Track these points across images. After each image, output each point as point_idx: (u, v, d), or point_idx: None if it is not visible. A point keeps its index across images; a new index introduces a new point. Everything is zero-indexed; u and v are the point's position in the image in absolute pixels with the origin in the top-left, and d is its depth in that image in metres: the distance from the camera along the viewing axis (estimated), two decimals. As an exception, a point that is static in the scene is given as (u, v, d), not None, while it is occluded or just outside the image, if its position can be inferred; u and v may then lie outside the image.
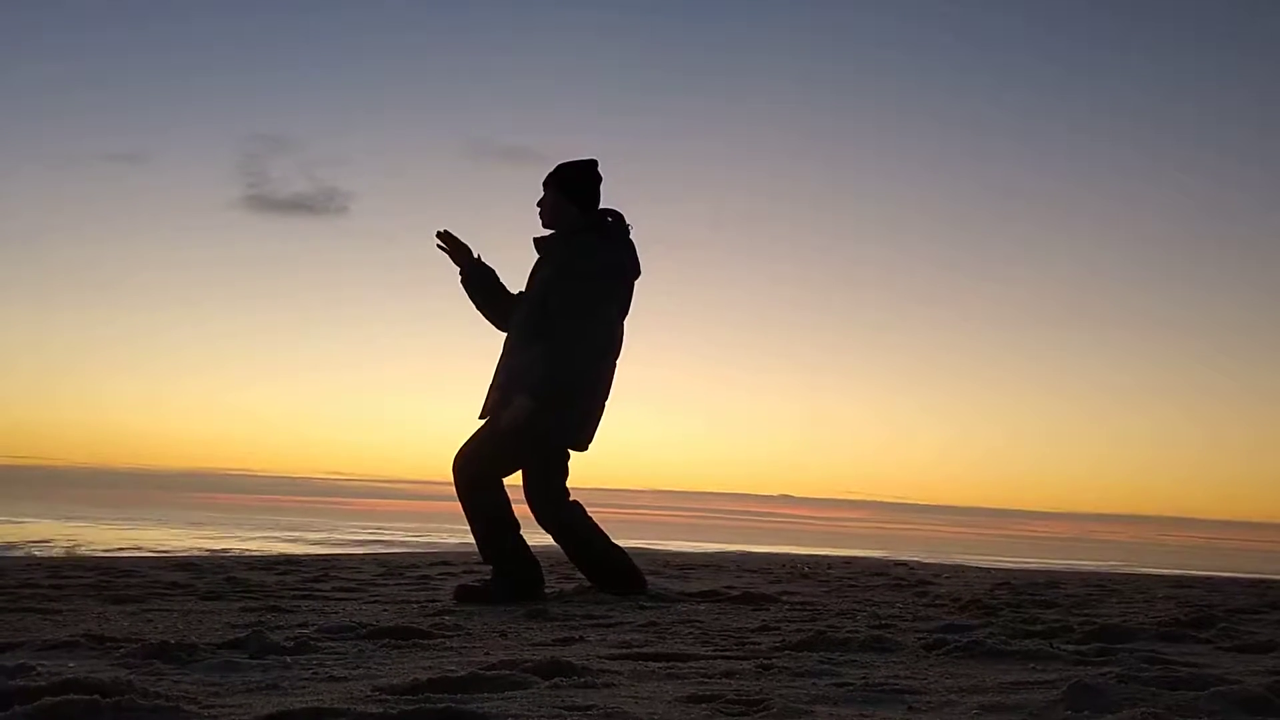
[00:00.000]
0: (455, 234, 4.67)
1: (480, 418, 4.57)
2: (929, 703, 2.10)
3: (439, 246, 4.69)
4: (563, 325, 4.38)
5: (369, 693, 2.08)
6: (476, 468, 4.49)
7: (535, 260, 4.66)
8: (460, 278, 4.70)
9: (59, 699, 1.80)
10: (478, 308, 4.73)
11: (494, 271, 4.71)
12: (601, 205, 4.62)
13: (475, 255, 4.69)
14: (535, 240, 4.64)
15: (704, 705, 2.04)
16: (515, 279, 4.74)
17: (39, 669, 2.18)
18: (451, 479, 4.54)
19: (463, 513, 4.54)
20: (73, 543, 11.56)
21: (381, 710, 1.83)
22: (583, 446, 4.57)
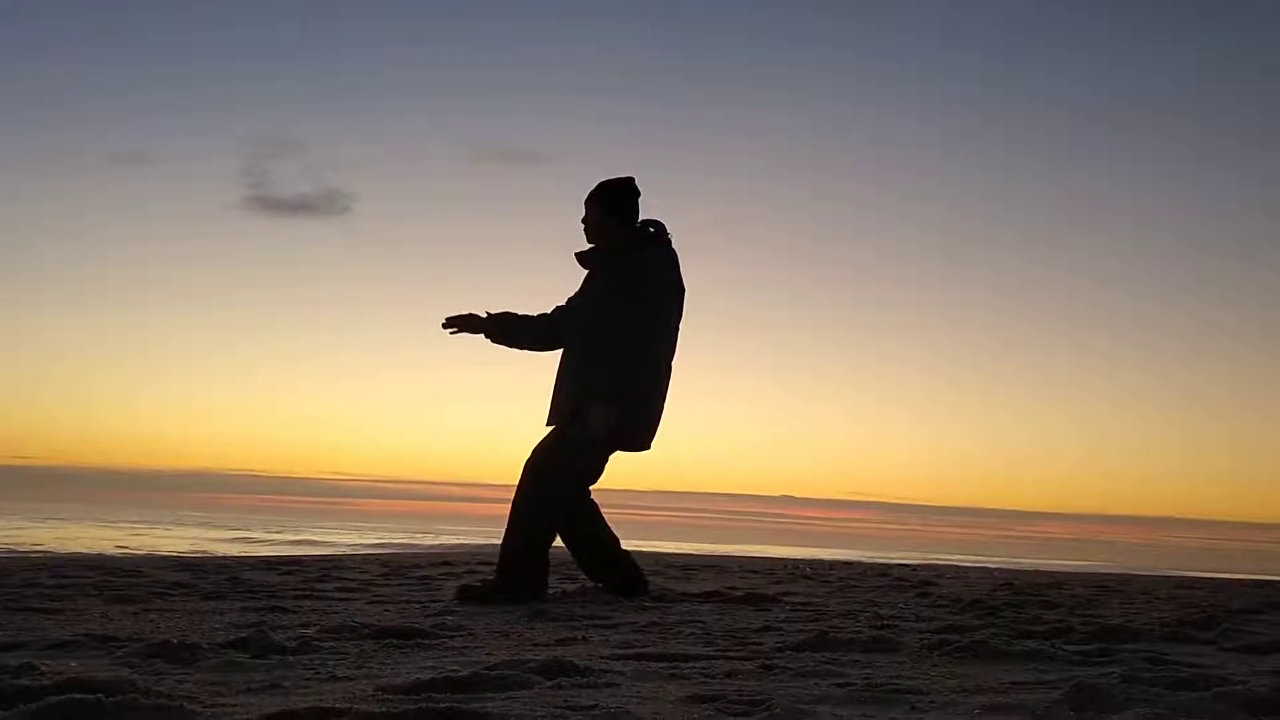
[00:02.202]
0: (453, 314, 4.79)
1: (548, 424, 4.66)
2: (931, 703, 2.10)
3: (451, 333, 4.79)
4: (629, 334, 4.50)
5: (371, 692, 2.08)
6: (549, 470, 4.53)
7: (584, 275, 4.79)
8: (486, 338, 4.83)
9: (62, 698, 1.80)
10: (516, 348, 4.85)
11: (508, 313, 4.84)
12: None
13: (484, 314, 4.81)
14: (579, 256, 4.78)
15: (706, 705, 2.03)
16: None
17: (42, 668, 2.18)
18: (520, 481, 4.57)
19: (515, 507, 4.53)
20: (71, 542, 11.56)
21: (384, 710, 1.83)
22: (647, 446, 4.68)
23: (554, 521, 4.56)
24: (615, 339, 4.50)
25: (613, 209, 4.71)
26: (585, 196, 4.74)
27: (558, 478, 4.52)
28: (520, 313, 4.86)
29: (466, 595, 4.41)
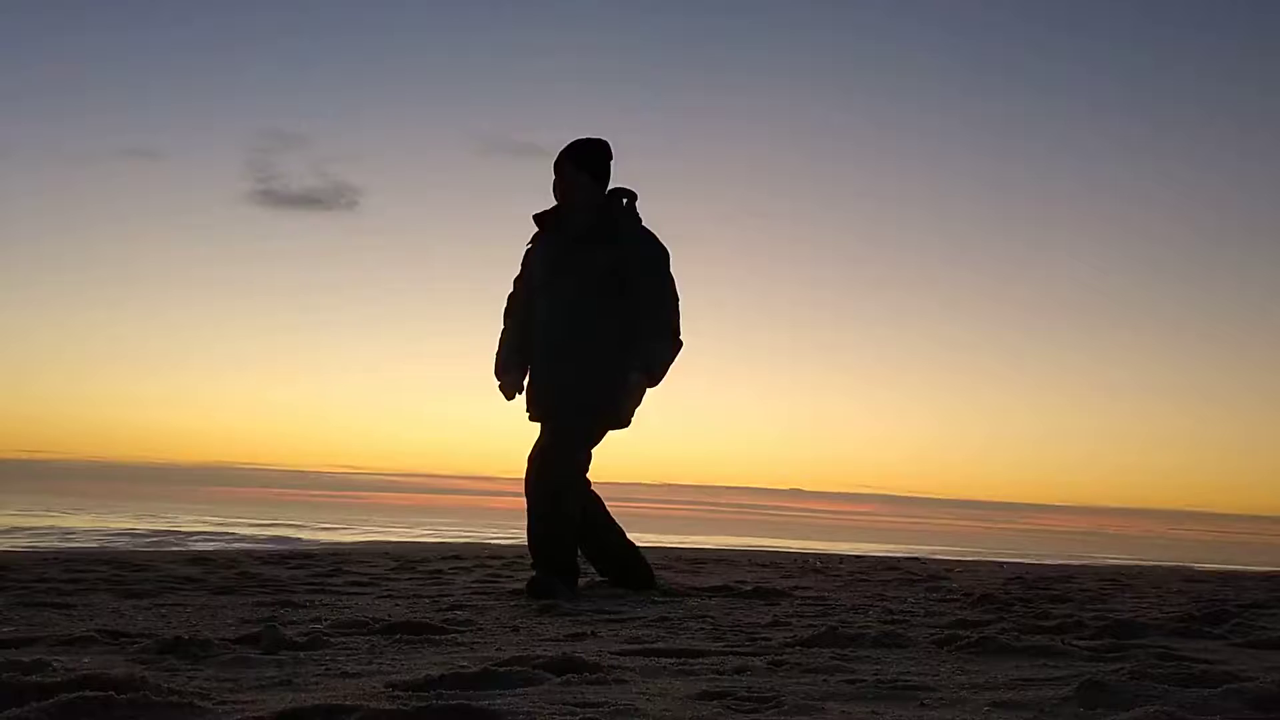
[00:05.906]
0: (503, 391, 4.57)
1: (536, 418, 4.51)
2: (941, 700, 2.10)
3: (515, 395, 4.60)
4: (658, 313, 4.40)
5: (382, 688, 2.08)
6: (568, 469, 4.44)
7: (535, 234, 4.59)
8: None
9: (75, 695, 1.81)
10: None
11: (499, 356, 4.64)
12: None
13: (507, 380, 4.58)
14: (544, 215, 4.55)
15: (715, 702, 2.03)
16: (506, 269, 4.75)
17: (55, 665, 2.19)
18: (531, 484, 4.45)
19: (533, 510, 4.44)
20: (69, 535, 11.60)
21: (394, 707, 1.84)
22: (629, 424, 4.54)
23: (580, 503, 4.51)
24: (648, 319, 4.38)
25: (598, 174, 4.46)
26: (559, 156, 4.45)
27: (583, 460, 4.47)
28: (504, 342, 4.64)
29: (536, 590, 4.27)
